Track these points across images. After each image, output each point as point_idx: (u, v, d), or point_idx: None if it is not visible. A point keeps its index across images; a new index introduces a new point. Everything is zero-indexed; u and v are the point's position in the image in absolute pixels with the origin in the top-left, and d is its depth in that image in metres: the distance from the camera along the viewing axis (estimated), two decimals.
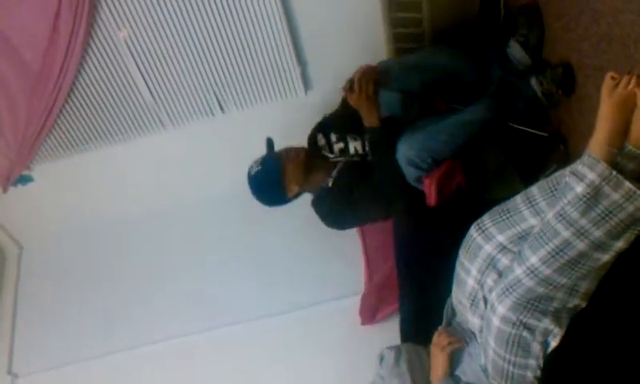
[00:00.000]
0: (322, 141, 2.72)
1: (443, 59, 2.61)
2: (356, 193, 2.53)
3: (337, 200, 2.57)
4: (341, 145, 2.66)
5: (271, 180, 2.59)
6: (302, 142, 2.87)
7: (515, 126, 2.61)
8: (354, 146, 2.64)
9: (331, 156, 2.68)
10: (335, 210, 2.61)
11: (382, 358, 2.31)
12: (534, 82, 2.46)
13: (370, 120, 2.48)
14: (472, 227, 1.91)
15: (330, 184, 2.61)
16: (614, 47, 1.93)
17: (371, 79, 2.43)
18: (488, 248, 1.85)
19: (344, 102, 2.70)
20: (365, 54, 2.99)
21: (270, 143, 2.72)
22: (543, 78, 2.42)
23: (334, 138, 2.69)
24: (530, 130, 2.62)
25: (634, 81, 1.60)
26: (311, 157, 2.66)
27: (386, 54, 2.98)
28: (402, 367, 2.23)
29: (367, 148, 2.60)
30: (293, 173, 2.59)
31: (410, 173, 2.50)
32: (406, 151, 2.45)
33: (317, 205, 2.66)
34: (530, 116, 2.59)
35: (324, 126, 2.76)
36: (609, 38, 1.95)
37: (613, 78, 1.65)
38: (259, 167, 2.60)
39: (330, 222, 2.65)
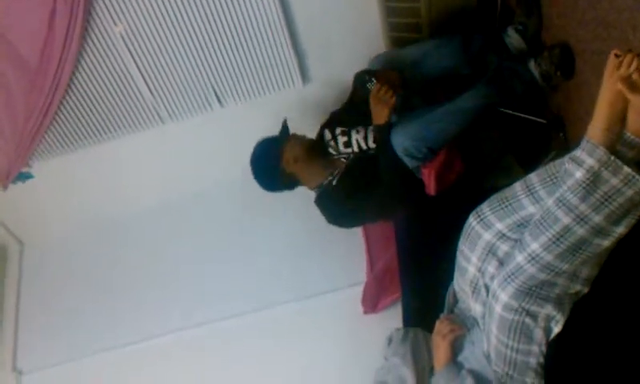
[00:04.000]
0: (328, 136, 2.75)
1: (435, 61, 2.60)
2: (362, 194, 2.54)
3: (341, 200, 2.60)
4: (345, 138, 2.69)
5: (271, 146, 2.67)
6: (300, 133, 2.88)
7: (514, 113, 2.60)
8: (357, 138, 2.66)
9: (335, 154, 2.71)
10: (339, 210, 2.63)
11: (389, 340, 2.33)
12: (532, 64, 2.44)
13: (378, 120, 2.51)
14: (471, 215, 1.91)
15: (335, 182, 2.63)
16: (611, 33, 1.92)
17: (396, 90, 2.48)
18: (487, 236, 1.85)
19: (352, 95, 2.76)
20: (363, 44, 2.99)
21: (284, 124, 2.77)
22: (541, 59, 2.40)
23: (338, 130, 2.72)
24: (528, 116, 2.61)
25: (635, 62, 1.58)
26: (316, 146, 2.72)
27: (384, 43, 2.97)
28: (406, 347, 2.24)
29: (369, 143, 2.62)
30: (293, 147, 2.65)
31: (406, 163, 2.50)
32: (402, 141, 2.44)
33: (320, 202, 2.68)
34: (529, 101, 2.58)
35: (330, 122, 2.79)
36: (606, 24, 1.94)
37: (616, 55, 1.61)
38: (266, 137, 2.70)
39: (332, 221, 2.67)
